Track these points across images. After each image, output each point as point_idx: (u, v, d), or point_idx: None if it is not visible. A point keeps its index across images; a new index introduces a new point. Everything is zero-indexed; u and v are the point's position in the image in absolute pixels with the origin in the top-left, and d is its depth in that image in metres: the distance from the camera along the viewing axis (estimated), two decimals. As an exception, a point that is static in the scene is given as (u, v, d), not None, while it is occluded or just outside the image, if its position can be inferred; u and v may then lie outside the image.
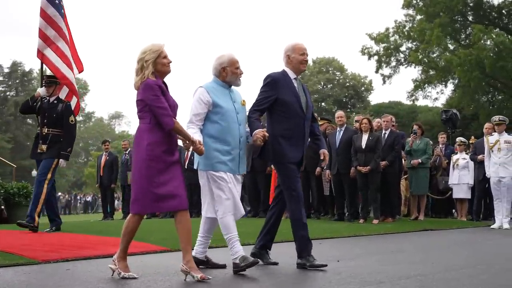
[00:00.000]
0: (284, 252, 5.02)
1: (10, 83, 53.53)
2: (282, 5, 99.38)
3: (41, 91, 7.36)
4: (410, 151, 10.23)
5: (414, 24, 34.28)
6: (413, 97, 38.33)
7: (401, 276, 4.09)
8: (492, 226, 9.02)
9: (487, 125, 10.23)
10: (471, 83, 29.36)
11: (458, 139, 11.28)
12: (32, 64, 62.26)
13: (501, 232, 8.40)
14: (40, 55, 7.37)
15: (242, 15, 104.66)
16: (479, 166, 10.02)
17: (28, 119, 57.04)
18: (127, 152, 12.84)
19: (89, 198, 39.24)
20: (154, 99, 3.87)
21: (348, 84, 52.39)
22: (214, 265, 4.55)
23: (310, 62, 53.17)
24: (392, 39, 35.70)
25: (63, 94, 7.58)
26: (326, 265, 4.42)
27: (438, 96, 47.98)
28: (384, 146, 9.57)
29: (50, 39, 7.36)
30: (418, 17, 33.90)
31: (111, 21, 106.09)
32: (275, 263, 4.73)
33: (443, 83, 35.02)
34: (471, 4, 33.13)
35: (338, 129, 9.72)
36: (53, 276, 4.22)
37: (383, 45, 35.73)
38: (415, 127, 10.34)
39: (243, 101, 4.54)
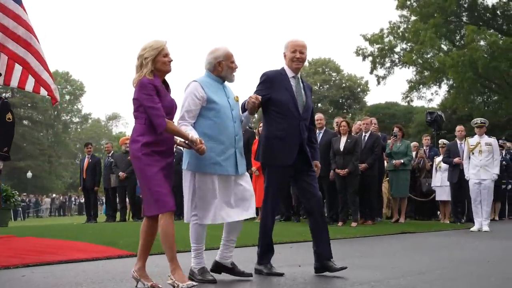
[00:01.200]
0: (243, 256, 4.99)
1: (5, 84, 53.56)
2: (278, 5, 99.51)
3: None
4: (390, 154, 10.21)
5: (408, 25, 34.27)
6: (408, 98, 38.25)
7: (355, 282, 4.06)
8: (471, 229, 9.00)
9: (459, 128, 10.22)
10: (464, 84, 29.36)
11: (441, 141, 11.29)
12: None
13: (479, 235, 8.36)
14: (1, 47, 6.95)
15: (239, 15, 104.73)
16: (453, 169, 10.01)
17: (25, 121, 57.30)
18: (110, 154, 12.80)
19: (84, 200, 39.13)
20: (146, 99, 3.73)
21: (344, 85, 52.42)
22: (240, 273, 4.28)
23: (306, 63, 53.20)
24: (386, 40, 35.68)
25: (30, 85, 7.19)
26: (282, 274, 4.36)
27: (433, 97, 47.99)
28: (364, 149, 9.56)
29: (9, 29, 6.95)
30: (413, 18, 33.87)
31: (108, 21, 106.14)
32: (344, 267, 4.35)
33: (437, 84, 35.00)
34: (465, 5, 33.15)
35: (317, 131, 9.68)
36: (4, 283, 4.19)
37: (378, 46, 35.72)
38: (395, 129, 10.32)
39: (236, 97, 4.32)
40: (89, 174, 12.34)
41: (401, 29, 35.41)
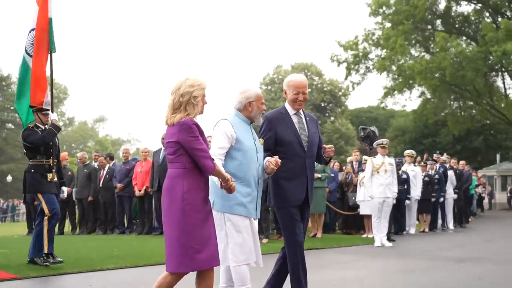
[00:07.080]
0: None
1: (-12, 88, 53.88)
2: (261, 9, 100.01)
3: None
4: (309, 172, 10.63)
5: (384, 32, 34.72)
6: (383, 104, 38.68)
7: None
8: (375, 245, 9.44)
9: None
10: (430, 90, 29.91)
11: (364, 157, 11.69)
12: (10, 69, 62.77)
13: (378, 252, 8.74)
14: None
15: (220, 23, 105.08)
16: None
17: (9, 124, 57.52)
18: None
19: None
20: (193, 141, 3.50)
21: (326, 89, 52.84)
22: None
23: (288, 68, 53.68)
24: (361, 46, 36.11)
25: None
26: None
27: (407, 102, 48.22)
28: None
29: None
30: (388, 24, 34.32)
31: (92, 27, 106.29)
32: None
33: (409, 90, 35.45)
34: (437, 13, 33.63)
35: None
36: None
37: (352, 52, 36.15)
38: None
39: (261, 139, 4.32)
40: (30, 188, 12.70)
41: (375, 36, 35.88)
